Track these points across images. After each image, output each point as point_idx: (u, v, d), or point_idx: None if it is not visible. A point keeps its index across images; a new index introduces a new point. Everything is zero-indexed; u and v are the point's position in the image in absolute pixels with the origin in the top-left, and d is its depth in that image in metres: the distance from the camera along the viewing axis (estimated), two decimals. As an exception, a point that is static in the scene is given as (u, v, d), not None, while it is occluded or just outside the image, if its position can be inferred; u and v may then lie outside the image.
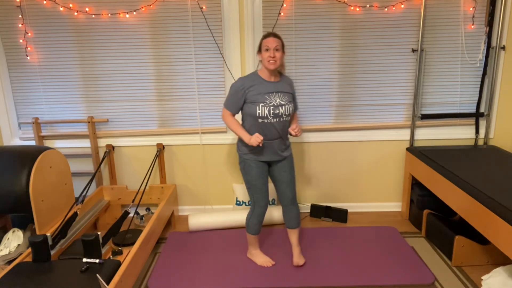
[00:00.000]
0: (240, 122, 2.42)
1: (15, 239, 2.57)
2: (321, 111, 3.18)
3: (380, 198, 3.38)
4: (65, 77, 3.09)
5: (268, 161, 2.45)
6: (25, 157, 2.40)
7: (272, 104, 2.31)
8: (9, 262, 2.47)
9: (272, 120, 2.33)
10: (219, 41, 3.03)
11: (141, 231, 2.95)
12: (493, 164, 2.65)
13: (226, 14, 2.98)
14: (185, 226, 3.19)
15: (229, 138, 3.21)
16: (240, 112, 2.41)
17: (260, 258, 2.60)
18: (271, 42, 2.28)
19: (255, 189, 2.45)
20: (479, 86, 3.11)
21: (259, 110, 2.30)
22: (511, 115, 3.16)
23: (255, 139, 2.24)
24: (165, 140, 3.23)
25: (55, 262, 2.10)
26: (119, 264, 2.09)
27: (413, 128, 3.18)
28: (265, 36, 2.32)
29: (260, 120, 2.33)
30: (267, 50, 2.29)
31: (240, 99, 2.33)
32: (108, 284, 1.91)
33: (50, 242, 2.17)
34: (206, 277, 2.45)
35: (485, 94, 3.13)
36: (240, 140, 2.44)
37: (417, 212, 3.04)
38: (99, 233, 2.21)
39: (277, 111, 2.32)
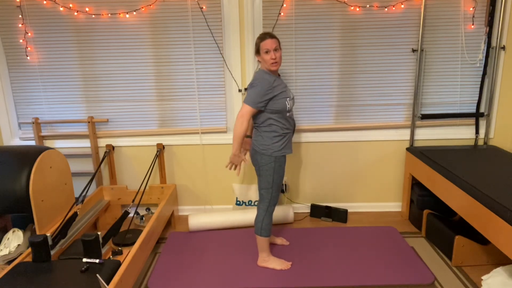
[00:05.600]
0: (263, 123, 2.35)
1: (15, 239, 2.57)
2: (321, 111, 3.18)
3: (380, 198, 3.38)
4: (65, 77, 3.09)
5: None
6: (25, 157, 2.40)
7: (290, 98, 2.38)
8: (9, 262, 2.47)
9: (291, 113, 2.42)
10: (219, 41, 3.03)
11: (141, 231, 2.95)
12: (493, 164, 2.65)
13: (226, 14, 2.98)
14: (185, 226, 3.19)
15: (229, 138, 3.21)
16: (257, 111, 2.32)
17: (278, 262, 2.53)
18: (270, 44, 2.28)
19: (277, 187, 2.42)
20: (479, 86, 3.11)
21: (288, 104, 2.34)
22: (511, 115, 3.16)
23: (237, 159, 2.34)
24: (165, 140, 3.23)
25: (55, 262, 2.10)
26: (119, 264, 2.09)
27: (413, 128, 3.18)
28: (262, 38, 2.30)
29: (287, 114, 2.37)
30: (267, 52, 2.29)
31: (268, 95, 2.26)
32: (108, 284, 1.91)
33: (50, 242, 2.17)
34: (206, 277, 2.45)
35: (485, 94, 3.13)
36: (270, 138, 2.35)
37: (417, 212, 3.04)
38: (99, 233, 2.21)
39: (293, 105, 2.41)
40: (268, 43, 2.28)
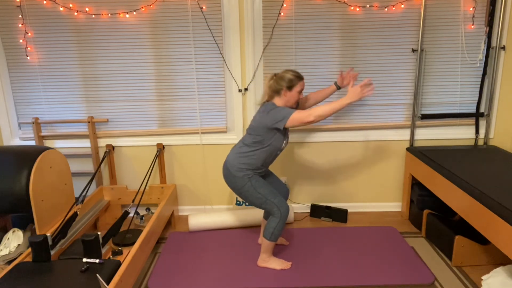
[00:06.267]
0: (250, 149, 2.36)
1: (15, 239, 2.57)
2: (321, 111, 3.18)
3: (380, 198, 3.38)
4: (65, 77, 3.09)
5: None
6: (25, 157, 2.40)
7: (287, 140, 2.43)
8: (9, 262, 2.47)
9: (279, 152, 2.45)
10: (219, 41, 3.03)
11: (141, 231, 2.95)
12: (493, 164, 2.65)
13: (226, 14, 2.98)
14: (185, 226, 3.19)
15: (229, 138, 3.21)
16: (256, 138, 2.34)
17: (278, 262, 2.53)
18: (304, 85, 2.39)
19: (272, 194, 2.40)
20: (479, 86, 3.11)
21: (284, 143, 2.40)
22: (511, 115, 3.16)
23: (356, 89, 2.16)
24: (165, 140, 3.23)
25: (55, 262, 2.10)
26: (119, 264, 2.09)
27: (413, 128, 3.18)
28: (300, 78, 2.35)
29: (278, 152, 2.42)
30: (300, 92, 2.37)
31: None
32: (108, 284, 1.91)
33: (50, 242, 2.17)
34: (206, 277, 2.45)
35: (485, 94, 3.13)
36: (247, 164, 2.36)
37: (417, 212, 3.04)
38: (99, 233, 2.22)
39: (285, 146, 2.46)
40: (303, 84, 2.38)
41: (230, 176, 2.40)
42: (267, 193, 2.38)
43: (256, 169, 2.40)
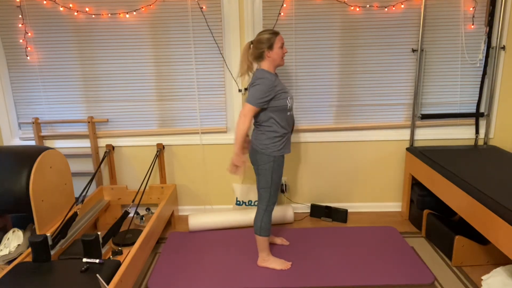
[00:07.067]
0: (263, 122, 2.36)
1: (15, 239, 2.58)
2: (321, 111, 3.18)
3: (380, 198, 3.38)
4: (65, 77, 3.10)
5: None
6: (25, 157, 2.40)
7: (290, 97, 2.38)
8: (9, 262, 2.47)
9: (291, 112, 2.42)
10: (219, 41, 3.03)
11: (141, 231, 2.95)
12: (493, 164, 2.65)
13: (226, 14, 2.98)
14: (185, 226, 3.19)
15: (230, 138, 3.21)
16: (259, 111, 2.35)
17: (278, 262, 2.53)
18: (283, 39, 2.36)
19: (275, 187, 2.42)
20: (479, 86, 3.11)
21: (288, 103, 2.35)
22: (511, 115, 3.16)
23: (239, 159, 2.30)
24: (165, 140, 3.23)
25: (55, 262, 2.10)
26: (119, 264, 2.09)
27: (413, 128, 3.18)
28: (276, 33, 2.33)
29: (288, 113, 2.38)
30: (281, 47, 2.34)
31: (270, 94, 2.27)
32: (108, 284, 1.91)
33: (50, 242, 2.17)
34: (206, 277, 2.45)
35: (485, 94, 3.13)
36: (270, 138, 2.35)
37: (417, 212, 3.04)
38: (99, 233, 2.22)
39: (292, 103, 2.41)
40: (282, 38, 2.35)
41: (257, 153, 2.39)
42: (275, 183, 2.41)
43: (280, 138, 2.36)
